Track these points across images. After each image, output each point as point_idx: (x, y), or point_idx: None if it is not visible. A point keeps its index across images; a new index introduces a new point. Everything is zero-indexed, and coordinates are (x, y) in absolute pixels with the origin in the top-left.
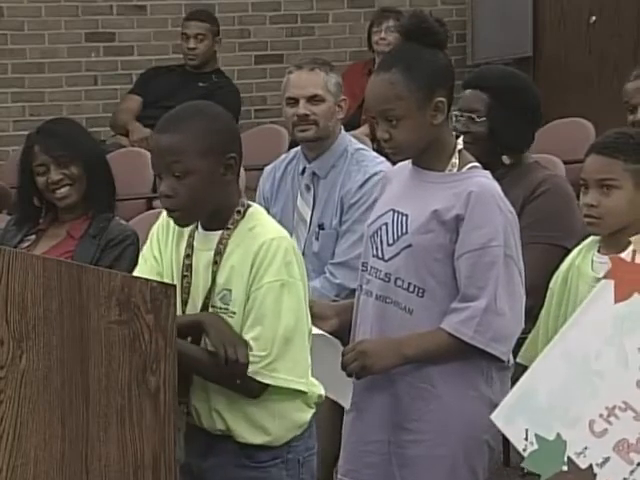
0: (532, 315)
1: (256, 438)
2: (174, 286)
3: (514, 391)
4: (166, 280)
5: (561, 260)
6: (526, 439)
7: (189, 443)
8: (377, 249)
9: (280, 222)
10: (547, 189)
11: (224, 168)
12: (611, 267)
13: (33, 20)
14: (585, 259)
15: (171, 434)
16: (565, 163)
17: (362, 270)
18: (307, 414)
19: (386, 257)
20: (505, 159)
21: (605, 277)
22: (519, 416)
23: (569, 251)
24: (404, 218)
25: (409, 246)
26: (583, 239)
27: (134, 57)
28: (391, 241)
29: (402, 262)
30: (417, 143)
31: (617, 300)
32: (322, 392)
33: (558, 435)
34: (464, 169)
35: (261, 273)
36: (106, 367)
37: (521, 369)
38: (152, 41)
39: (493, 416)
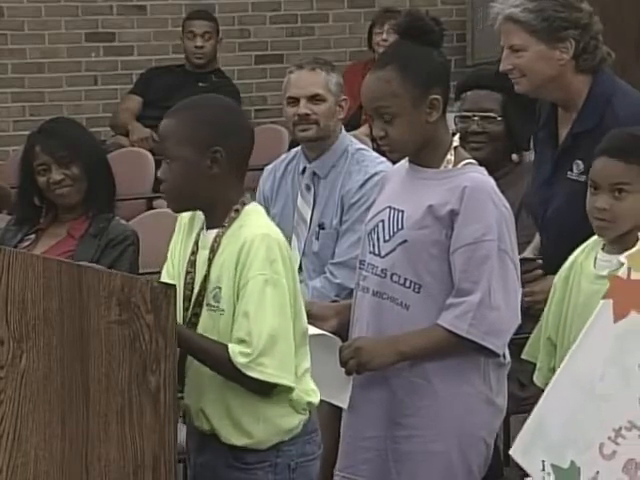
0: (531, 314)
1: (239, 440)
2: (174, 286)
3: (528, 423)
4: (175, 276)
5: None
6: (543, 470)
7: (188, 437)
8: (374, 246)
9: (280, 222)
10: None
11: (210, 161)
12: (609, 286)
13: (33, 20)
14: (589, 257)
15: (171, 434)
16: None
17: (359, 267)
18: (295, 419)
19: (382, 253)
20: (515, 157)
21: (604, 297)
22: (535, 448)
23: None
24: (400, 214)
25: (405, 242)
26: (585, 238)
27: (134, 57)
28: (387, 237)
29: (398, 258)
30: (412, 140)
31: (616, 319)
32: (314, 399)
33: (572, 462)
34: (459, 165)
35: (245, 270)
36: (106, 367)
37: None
38: (152, 41)
39: (511, 451)
